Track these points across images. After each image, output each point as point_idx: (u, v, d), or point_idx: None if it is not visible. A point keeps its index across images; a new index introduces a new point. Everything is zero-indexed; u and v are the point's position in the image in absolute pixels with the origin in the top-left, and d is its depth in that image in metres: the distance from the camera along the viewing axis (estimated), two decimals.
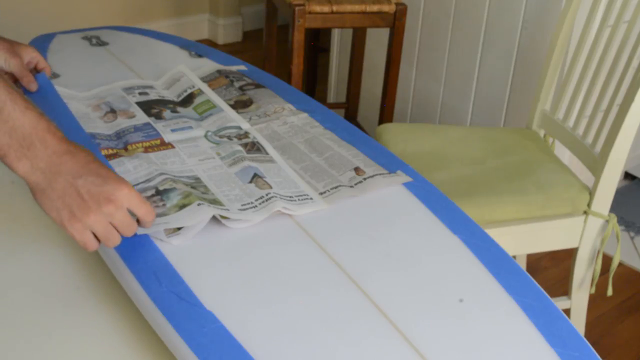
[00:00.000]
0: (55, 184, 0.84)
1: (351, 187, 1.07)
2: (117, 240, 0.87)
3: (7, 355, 0.84)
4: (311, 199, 1.04)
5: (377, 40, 2.44)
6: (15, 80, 1.25)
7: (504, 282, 0.91)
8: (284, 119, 1.26)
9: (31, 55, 1.28)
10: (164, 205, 0.97)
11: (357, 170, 1.11)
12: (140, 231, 0.92)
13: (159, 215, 0.95)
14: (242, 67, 1.46)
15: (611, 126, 1.51)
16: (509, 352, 0.82)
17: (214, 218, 0.97)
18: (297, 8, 1.90)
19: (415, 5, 2.32)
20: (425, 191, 1.09)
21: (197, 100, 1.30)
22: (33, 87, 1.25)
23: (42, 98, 1.25)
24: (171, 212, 0.95)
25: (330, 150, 1.17)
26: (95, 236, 0.86)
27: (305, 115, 1.28)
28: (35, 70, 1.30)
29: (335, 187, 1.07)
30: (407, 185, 1.10)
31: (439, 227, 1.01)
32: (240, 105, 1.29)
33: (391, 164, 1.15)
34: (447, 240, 0.99)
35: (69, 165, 0.85)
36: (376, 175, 1.10)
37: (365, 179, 1.09)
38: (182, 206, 0.96)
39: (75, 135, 1.12)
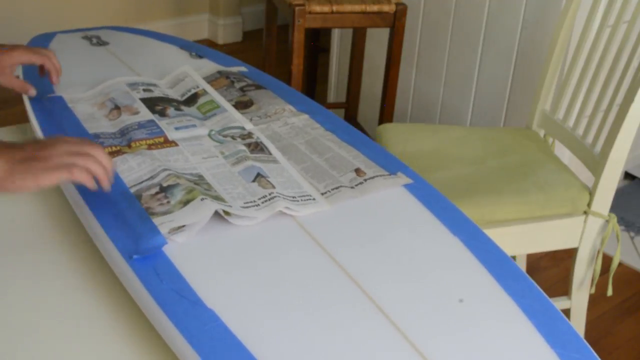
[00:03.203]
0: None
1: (352, 187, 1.08)
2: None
3: (6, 352, 0.84)
4: (314, 199, 1.05)
5: (377, 40, 2.44)
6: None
7: (504, 283, 0.91)
8: (285, 120, 1.26)
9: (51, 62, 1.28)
10: (168, 202, 0.97)
11: (357, 171, 1.11)
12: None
13: (164, 213, 0.95)
14: (242, 69, 1.46)
15: (611, 126, 1.51)
16: (509, 353, 0.82)
17: (217, 215, 0.97)
18: (297, 8, 1.90)
19: (415, 5, 2.32)
20: (425, 193, 1.09)
21: (201, 100, 1.30)
22: (32, 92, 1.26)
23: (51, 106, 1.25)
24: (176, 209, 0.96)
25: (330, 151, 1.17)
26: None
27: (306, 116, 1.28)
28: (43, 71, 1.29)
29: (336, 188, 1.07)
30: (407, 187, 1.10)
31: (439, 228, 1.02)
32: (240, 106, 1.29)
33: (391, 165, 1.15)
34: (447, 242, 0.99)
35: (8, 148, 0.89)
36: (377, 176, 1.10)
37: (365, 180, 1.09)
38: (186, 202, 0.96)
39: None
